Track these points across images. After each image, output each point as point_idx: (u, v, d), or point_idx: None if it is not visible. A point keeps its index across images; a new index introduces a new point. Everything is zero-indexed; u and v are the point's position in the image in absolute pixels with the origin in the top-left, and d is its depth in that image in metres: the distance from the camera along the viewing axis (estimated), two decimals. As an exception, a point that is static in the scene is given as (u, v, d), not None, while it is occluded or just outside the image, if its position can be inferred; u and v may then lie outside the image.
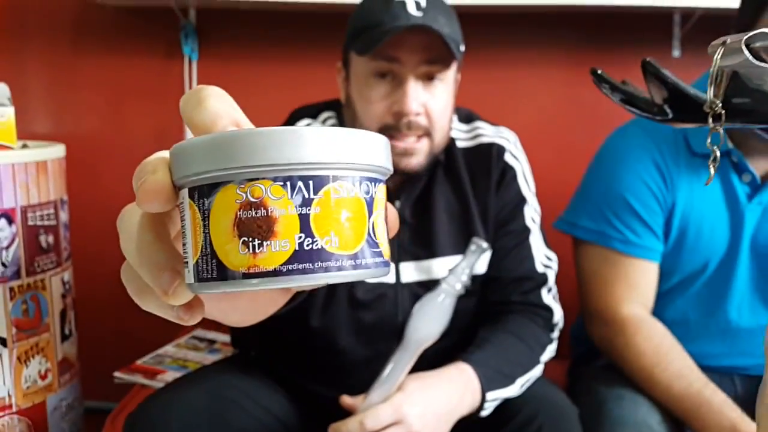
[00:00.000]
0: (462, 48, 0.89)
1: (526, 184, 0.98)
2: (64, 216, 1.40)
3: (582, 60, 1.56)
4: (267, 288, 0.25)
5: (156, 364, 1.38)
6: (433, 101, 0.86)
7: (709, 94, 0.30)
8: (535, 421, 0.81)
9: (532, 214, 0.97)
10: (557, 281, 1.02)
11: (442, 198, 0.93)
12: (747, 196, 1.04)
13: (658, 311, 1.09)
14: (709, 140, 0.31)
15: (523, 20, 1.54)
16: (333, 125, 0.96)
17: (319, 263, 0.24)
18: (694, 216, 1.05)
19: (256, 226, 0.24)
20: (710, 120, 0.31)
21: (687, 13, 1.48)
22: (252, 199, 0.24)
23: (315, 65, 1.56)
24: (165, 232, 0.28)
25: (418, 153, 0.87)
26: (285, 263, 0.24)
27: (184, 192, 0.26)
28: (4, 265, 1.24)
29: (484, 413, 0.83)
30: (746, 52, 0.28)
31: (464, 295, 0.90)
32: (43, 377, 1.35)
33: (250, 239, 0.24)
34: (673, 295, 1.10)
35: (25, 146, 1.36)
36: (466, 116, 1.01)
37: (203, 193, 0.25)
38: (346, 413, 0.78)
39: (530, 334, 0.91)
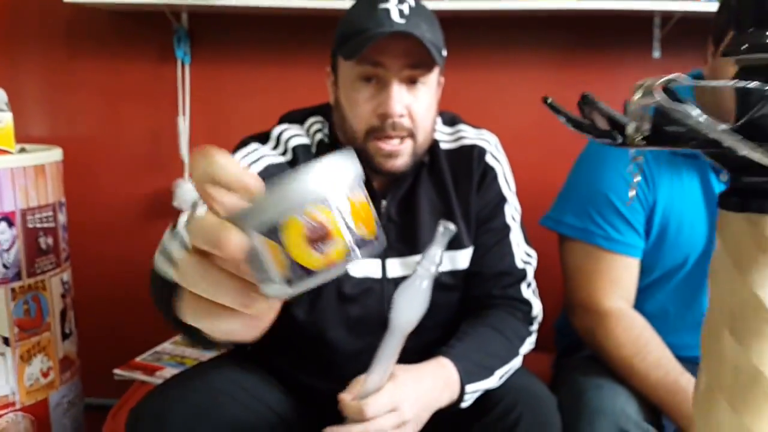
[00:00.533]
0: (444, 53, 0.93)
1: (507, 184, 1.02)
2: (62, 218, 1.43)
3: (567, 62, 1.60)
4: (342, 271, 0.37)
5: (154, 361, 1.41)
6: (416, 103, 0.90)
7: (630, 128, 0.35)
8: (515, 410, 0.85)
9: (512, 212, 1.02)
10: (543, 276, 1.06)
11: (425, 197, 0.97)
12: None
13: (638, 304, 1.13)
14: (630, 167, 0.35)
15: (510, 24, 1.58)
16: (318, 129, 0.99)
17: (364, 247, 0.36)
18: (674, 214, 1.09)
19: (319, 238, 0.35)
20: (632, 151, 0.35)
21: (666, 16, 1.52)
22: (313, 223, 0.35)
23: (305, 68, 1.59)
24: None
25: (403, 154, 0.91)
26: (346, 254, 0.36)
27: (256, 235, 0.35)
28: (5, 266, 1.27)
29: (464, 405, 0.87)
30: (659, 96, 0.33)
31: (447, 289, 0.95)
32: (45, 375, 1.38)
33: (320, 247, 0.35)
34: (654, 289, 1.14)
35: (23, 150, 1.39)
36: (450, 119, 1.05)
37: (276, 229, 0.34)
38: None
39: (509, 328, 0.95)
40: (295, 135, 0.97)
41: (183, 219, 0.70)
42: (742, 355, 0.40)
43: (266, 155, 0.94)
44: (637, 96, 0.35)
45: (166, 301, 0.58)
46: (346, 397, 0.78)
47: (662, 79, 0.34)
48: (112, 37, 1.64)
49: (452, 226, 0.78)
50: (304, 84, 1.48)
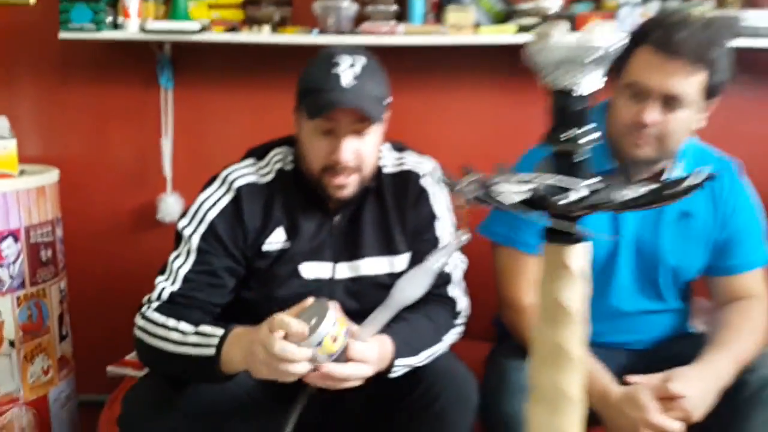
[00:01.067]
0: (389, 100, 1.12)
1: (438, 203, 1.22)
2: (59, 232, 1.60)
3: (509, 88, 1.78)
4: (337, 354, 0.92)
5: (144, 359, 1.58)
6: (363, 146, 1.09)
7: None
8: (436, 387, 1.04)
9: (443, 225, 1.22)
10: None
11: (369, 213, 1.17)
12: None
13: None
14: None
15: (458, 53, 1.75)
16: (280, 160, 1.18)
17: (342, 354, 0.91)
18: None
19: (337, 347, 0.90)
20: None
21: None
22: (331, 342, 0.89)
23: (278, 94, 1.74)
24: None
25: (350, 186, 1.11)
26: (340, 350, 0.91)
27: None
28: (11, 277, 1.44)
29: (392, 375, 1.05)
30: (469, 190, 0.52)
31: (386, 288, 1.10)
32: (46, 373, 1.56)
33: (336, 352, 0.90)
34: None
35: (22, 172, 1.55)
36: (398, 147, 1.25)
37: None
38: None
39: (439, 318, 1.14)
40: (241, 175, 1.16)
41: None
42: (551, 335, 0.60)
43: (216, 201, 1.14)
44: (461, 185, 0.54)
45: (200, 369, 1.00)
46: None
47: (474, 179, 0.54)
48: (102, 66, 1.80)
49: (465, 236, 0.96)
50: (277, 109, 1.61)
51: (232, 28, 1.67)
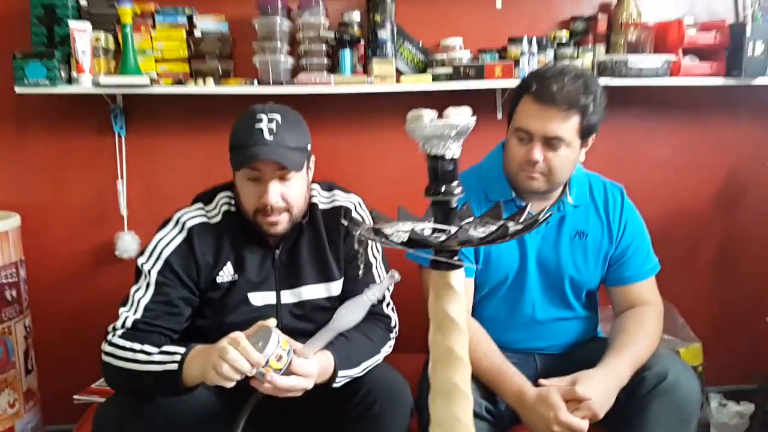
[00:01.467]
0: (308, 149, 1.29)
1: None
2: (23, 272, 1.72)
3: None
4: (283, 370, 1.11)
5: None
6: (288, 191, 1.25)
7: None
8: (373, 392, 1.20)
9: (374, 252, 1.40)
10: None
11: (306, 245, 1.34)
12: None
13: (479, 311, 1.51)
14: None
15: (384, 99, 1.93)
16: (226, 203, 1.34)
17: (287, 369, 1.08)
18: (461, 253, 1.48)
19: (281, 365, 1.09)
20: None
21: (504, 89, 1.98)
22: (276, 360, 1.08)
23: (223, 139, 1.86)
24: None
25: (281, 223, 1.27)
26: (285, 367, 1.07)
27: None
28: (-20, 317, 1.56)
29: (335, 385, 1.20)
30: (365, 233, 0.72)
31: (324, 310, 1.32)
32: (12, 406, 1.66)
33: (281, 368, 1.08)
34: (488, 299, 1.52)
35: (-15, 219, 1.67)
36: (328, 187, 1.43)
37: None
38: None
39: (375, 334, 1.32)
40: (191, 217, 1.31)
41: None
42: (442, 341, 0.80)
43: (171, 240, 1.29)
44: (359, 230, 0.74)
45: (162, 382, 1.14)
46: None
47: (367, 228, 0.74)
48: (58, 117, 1.92)
49: (397, 275, 1.15)
50: (222, 153, 1.74)
51: (179, 81, 1.84)
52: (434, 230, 0.79)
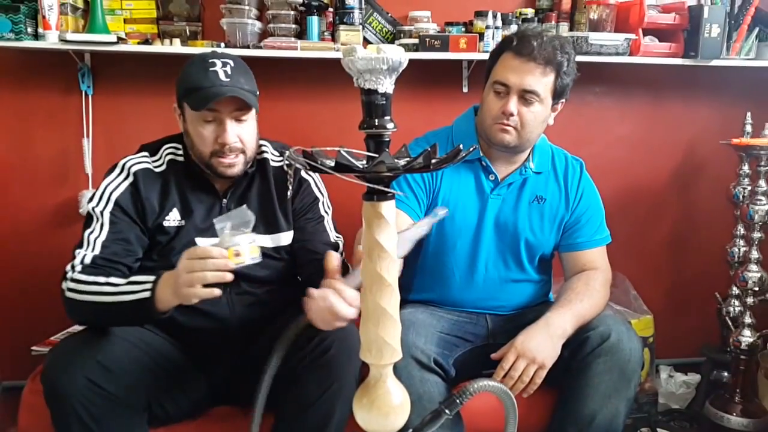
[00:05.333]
0: (257, 93, 1.33)
1: (317, 189, 1.46)
2: (-17, 226, 1.72)
3: (400, 96, 2.05)
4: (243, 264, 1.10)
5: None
6: (244, 131, 1.31)
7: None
8: (328, 340, 1.22)
9: (324, 208, 1.46)
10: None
11: (254, 196, 1.39)
12: (490, 189, 1.54)
13: (435, 269, 1.55)
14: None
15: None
16: (171, 152, 1.39)
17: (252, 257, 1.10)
18: (452, 199, 1.52)
19: (237, 254, 1.08)
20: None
21: (470, 61, 2.03)
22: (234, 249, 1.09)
23: None
24: None
25: (237, 165, 1.32)
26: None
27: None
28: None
29: None
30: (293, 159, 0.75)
31: (273, 259, 1.35)
32: (-30, 355, 1.67)
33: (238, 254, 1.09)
34: (443, 256, 1.55)
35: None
36: (280, 146, 1.47)
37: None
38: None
39: None
40: (136, 163, 1.36)
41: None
42: (371, 267, 0.84)
43: (118, 185, 1.33)
44: (288, 153, 0.78)
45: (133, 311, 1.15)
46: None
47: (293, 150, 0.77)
48: (23, 73, 1.92)
49: (442, 212, 1.13)
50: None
51: (146, 41, 1.85)
52: (368, 159, 0.82)
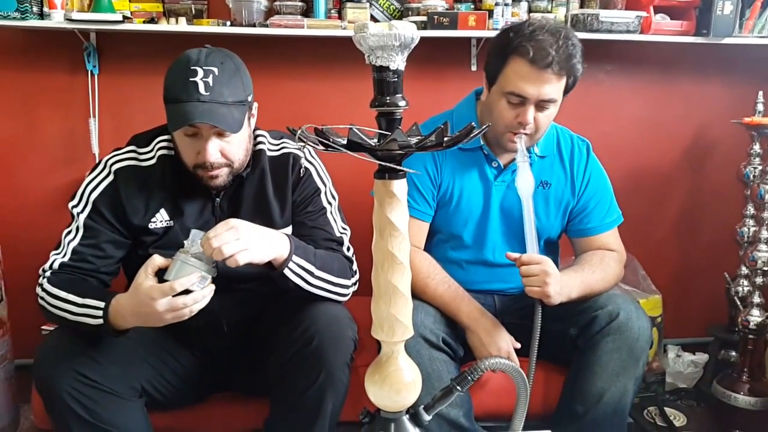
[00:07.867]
0: (248, 100, 1.21)
1: (320, 179, 1.37)
2: (-7, 205, 1.73)
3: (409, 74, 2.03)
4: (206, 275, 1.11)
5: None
6: (228, 146, 1.20)
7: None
8: (313, 327, 1.20)
9: (328, 198, 1.37)
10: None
11: (249, 192, 1.30)
12: (494, 176, 1.54)
13: (442, 253, 1.56)
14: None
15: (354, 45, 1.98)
16: (163, 147, 1.29)
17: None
18: (457, 189, 1.53)
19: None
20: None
21: (479, 39, 2.00)
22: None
23: None
24: None
25: (221, 176, 1.23)
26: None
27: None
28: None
29: (287, 272, 1.18)
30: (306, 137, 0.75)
31: None
32: (-18, 333, 1.69)
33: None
34: (452, 242, 1.57)
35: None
36: (278, 135, 1.38)
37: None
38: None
39: (337, 261, 1.29)
40: (118, 160, 1.29)
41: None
42: (383, 246, 0.83)
43: (98, 184, 1.28)
44: (300, 130, 0.77)
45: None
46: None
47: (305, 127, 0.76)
48: (29, 53, 1.91)
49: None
50: None
51: (151, 20, 1.83)
52: (379, 137, 0.81)
